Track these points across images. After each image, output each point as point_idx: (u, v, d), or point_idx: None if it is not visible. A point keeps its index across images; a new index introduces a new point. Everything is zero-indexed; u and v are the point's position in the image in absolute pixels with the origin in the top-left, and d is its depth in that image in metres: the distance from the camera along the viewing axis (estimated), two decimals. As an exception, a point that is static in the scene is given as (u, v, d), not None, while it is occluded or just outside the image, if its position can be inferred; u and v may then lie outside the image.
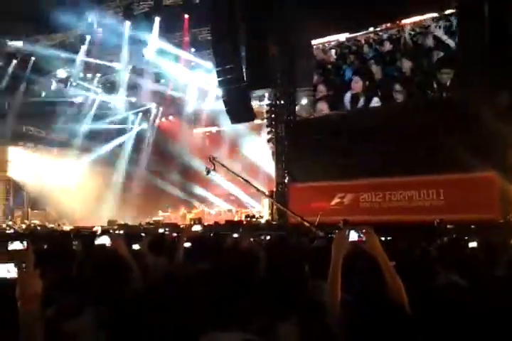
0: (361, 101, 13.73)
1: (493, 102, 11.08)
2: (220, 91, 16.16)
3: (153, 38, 18.07)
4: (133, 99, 21.64)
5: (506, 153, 10.98)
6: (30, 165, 20.22)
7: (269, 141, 16.35)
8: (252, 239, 4.00)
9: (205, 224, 14.12)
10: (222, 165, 10.29)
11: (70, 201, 19.11)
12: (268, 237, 6.04)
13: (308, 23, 13.40)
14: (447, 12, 12.62)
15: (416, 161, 11.82)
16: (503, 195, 10.95)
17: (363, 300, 1.81)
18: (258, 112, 16.69)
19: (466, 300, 1.73)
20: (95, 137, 21.55)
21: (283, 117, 15.86)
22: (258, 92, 16.91)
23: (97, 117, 21.48)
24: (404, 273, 2.06)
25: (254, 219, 15.54)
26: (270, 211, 16.18)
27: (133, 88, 20.94)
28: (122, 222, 16.39)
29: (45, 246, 3.82)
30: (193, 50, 18.56)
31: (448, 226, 9.02)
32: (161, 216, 19.85)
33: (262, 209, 17.87)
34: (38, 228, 14.51)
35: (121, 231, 9.68)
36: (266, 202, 16.90)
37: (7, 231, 12.24)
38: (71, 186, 19.81)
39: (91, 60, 19.36)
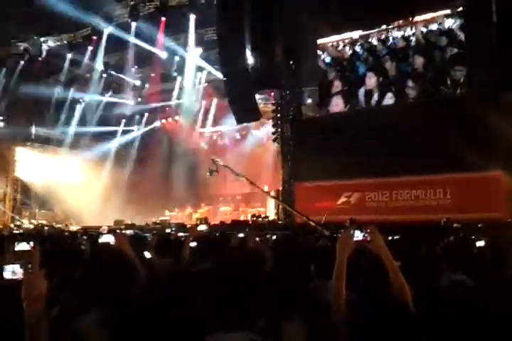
0: (375, 97, 13.78)
1: (501, 102, 11.03)
2: (225, 91, 16.16)
3: (159, 38, 18.14)
4: (139, 99, 21.72)
5: (514, 152, 10.91)
6: (37, 166, 20.35)
7: (274, 140, 16.34)
8: (258, 239, 4.00)
9: (211, 223, 14.15)
10: (225, 166, 10.30)
11: (77, 201, 19.21)
12: (274, 237, 6.05)
13: (320, 21, 13.46)
14: (460, 9, 12.60)
15: (422, 160, 11.76)
16: (511, 193, 10.88)
17: (368, 299, 1.81)
18: (264, 112, 16.68)
19: (472, 300, 1.72)
20: (102, 137, 21.65)
21: (289, 116, 15.85)
22: (263, 92, 16.94)
23: (104, 117, 21.57)
24: (409, 272, 2.06)
25: (260, 219, 15.54)
26: (276, 210, 16.18)
27: (139, 88, 21.01)
28: (129, 222, 16.46)
29: (53, 246, 3.85)
30: (199, 49, 18.58)
31: (455, 225, 8.97)
32: (167, 215, 19.91)
33: (267, 209, 17.87)
34: (46, 228, 14.59)
35: (128, 231, 9.73)
36: (272, 201, 16.90)
37: (15, 231, 12.32)
38: (78, 186, 19.90)
39: (98, 60, 19.43)
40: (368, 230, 2.07)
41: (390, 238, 4.86)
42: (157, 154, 21.45)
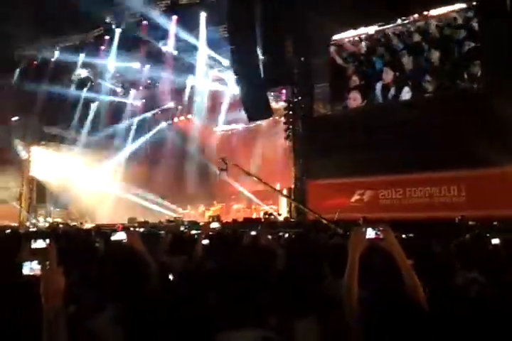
0: (392, 91, 13.73)
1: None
2: (237, 89, 16.18)
3: (170, 37, 18.21)
4: (152, 98, 21.83)
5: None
6: (52, 165, 20.61)
7: (286, 137, 16.32)
8: (270, 237, 4.01)
9: (224, 221, 14.19)
10: (235, 166, 10.36)
11: (91, 199, 19.42)
12: (286, 235, 6.06)
13: (333, 17, 13.44)
14: (474, 3, 12.48)
15: (437, 156, 11.65)
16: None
17: (380, 297, 1.81)
18: (275, 109, 16.66)
19: (485, 298, 1.71)
20: (115, 136, 21.83)
21: (300, 114, 15.81)
22: (275, 89, 16.91)
23: (117, 116, 21.74)
24: (423, 270, 2.05)
25: (272, 217, 15.55)
26: (288, 208, 16.17)
27: (152, 87, 21.12)
28: (143, 220, 16.59)
29: (67, 244, 3.90)
30: (210, 48, 18.59)
31: (470, 222, 8.88)
32: (180, 213, 20.02)
33: (280, 207, 17.86)
34: (61, 226, 14.78)
35: (142, 229, 9.82)
36: (284, 199, 16.89)
37: (30, 230, 12.50)
38: (92, 184, 20.11)
39: (110, 59, 19.57)
40: (381, 228, 2.07)
41: (403, 236, 4.83)
42: (170, 152, 21.55)
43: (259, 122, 18.71)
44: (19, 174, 20.49)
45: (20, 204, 19.95)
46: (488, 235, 4.34)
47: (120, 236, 2.89)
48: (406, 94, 13.50)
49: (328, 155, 13.75)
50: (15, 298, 1.86)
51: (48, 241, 2.19)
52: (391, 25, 14.00)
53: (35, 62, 19.79)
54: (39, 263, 1.64)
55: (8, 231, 8.22)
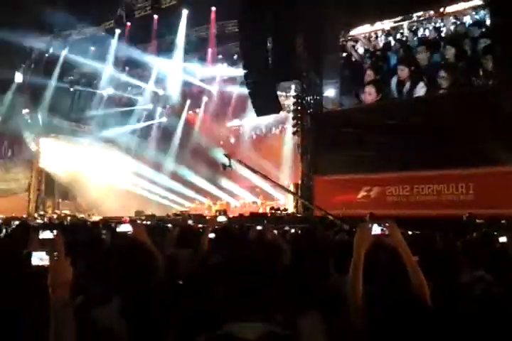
0: (407, 86, 13.72)
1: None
2: (245, 84, 16.13)
3: (180, 31, 18.20)
4: (161, 92, 21.87)
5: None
6: (61, 156, 20.75)
7: (294, 133, 16.29)
8: (276, 232, 4.02)
9: (230, 215, 14.23)
10: (239, 162, 10.34)
11: (99, 192, 19.55)
12: (293, 230, 6.06)
13: (346, 12, 13.39)
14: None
15: (445, 154, 11.59)
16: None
17: (385, 294, 1.81)
18: (284, 105, 16.62)
19: (491, 296, 1.71)
20: (124, 129, 21.93)
21: (309, 109, 15.76)
22: (284, 84, 16.85)
23: (127, 110, 21.81)
24: (429, 267, 2.05)
25: (278, 212, 15.57)
26: (295, 203, 16.18)
27: (161, 81, 21.15)
28: (150, 213, 16.68)
29: (74, 235, 3.93)
30: (219, 42, 18.58)
31: (477, 220, 8.84)
32: (187, 207, 20.11)
33: (286, 202, 17.87)
34: (68, 218, 14.90)
35: (149, 222, 9.88)
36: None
37: (38, 221, 12.62)
38: (100, 177, 20.23)
39: (120, 53, 19.61)
40: (387, 224, 2.06)
41: (409, 232, 4.82)
42: (179, 146, 21.62)
43: (267, 117, 18.66)
44: (28, 166, 20.66)
45: (28, 195, 20.14)
46: (495, 233, 4.32)
47: (125, 228, 2.90)
48: (421, 89, 13.47)
49: (336, 151, 13.72)
50: (24, 288, 1.89)
51: (55, 232, 2.21)
52: (407, 21, 14.03)
53: (46, 55, 19.87)
54: (47, 254, 1.66)
55: (17, 222, 8.30)
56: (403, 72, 13.80)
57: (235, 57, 18.20)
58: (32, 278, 1.68)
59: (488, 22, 12.42)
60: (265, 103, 15.31)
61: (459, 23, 13.00)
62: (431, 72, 13.30)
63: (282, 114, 17.43)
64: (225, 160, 10.13)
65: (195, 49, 18.98)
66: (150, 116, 22.89)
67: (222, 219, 5.01)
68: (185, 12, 17.74)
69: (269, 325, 1.61)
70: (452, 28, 13.11)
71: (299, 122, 15.89)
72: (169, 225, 7.40)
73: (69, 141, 21.34)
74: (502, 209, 10.22)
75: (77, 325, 1.58)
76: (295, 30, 14.77)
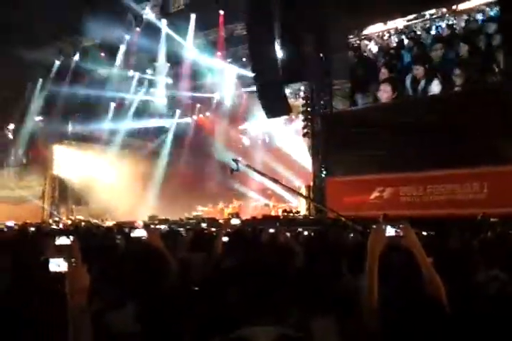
0: (421, 84, 13.65)
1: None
2: (255, 86, 16.16)
3: (189, 35, 18.31)
4: (171, 96, 21.99)
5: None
6: (74, 163, 20.97)
7: (305, 135, 16.25)
8: (288, 234, 4.02)
9: (243, 218, 14.23)
10: (247, 166, 10.34)
11: (112, 197, 19.69)
12: (306, 232, 6.06)
13: (362, 12, 13.50)
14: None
15: (458, 152, 11.48)
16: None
17: (400, 295, 1.81)
18: (293, 106, 16.61)
19: (506, 295, 1.69)
20: (136, 134, 22.10)
21: (319, 110, 15.72)
22: (293, 86, 16.84)
23: (138, 114, 21.96)
24: (444, 268, 2.04)
25: (291, 214, 15.54)
26: (307, 206, 16.13)
27: (171, 85, 21.27)
28: (163, 217, 16.75)
29: (88, 241, 3.97)
30: (228, 45, 18.65)
31: (492, 220, 8.73)
32: (200, 211, 20.15)
33: (299, 204, 17.84)
34: (83, 223, 15.03)
35: (162, 226, 9.92)
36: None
37: (53, 227, 12.74)
38: (113, 182, 20.39)
39: (130, 58, 19.78)
40: (401, 225, 2.06)
41: (424, 233, 4.79)
42: (190, 150, 21.71)
43: (277, 119, 18.66)
44: (42, 173, 20.91)
45: (43, 202, 20.37)
46: (510, 232, 4.28)
47: (140, 233, 2.93)
48: (435, 87, 13.39)
49: (347, 152, 13.66)
50: (43, 294, 1.92)
51: (71, 238, 2.24)
52: (420, 19, 14.00)
53: (56, 61, 20.13)
54: (65, 260, 1.68)
55: (33, 229, 8.41)
56: (417, 70, 13.76)
57: (244, 59, 18.24)
58: (50, 283, 1.70)
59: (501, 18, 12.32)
60: (275, 105, 15.30)
61: (472, 19, 12.93)
62: (445, 69, 13.24)
63: (292, 115, 17.42)
64: (233, 165, 10.14)
65: (205, 52, 19.06)
66: (162, 120, 23.00)
67: (235, 222, 5.02)
68: (193, 16, 17.84)
69: (281, 328, 1.61)
70: (465, 25, 13.04)
71: (309, 123, 15.85)
72: (181, 229, 7.44)
73: (82, 148, 21.56)
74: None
75: (95, 330, 1.60)
76: (303, 30, 14.76)
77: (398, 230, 2.05)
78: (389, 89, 14.31)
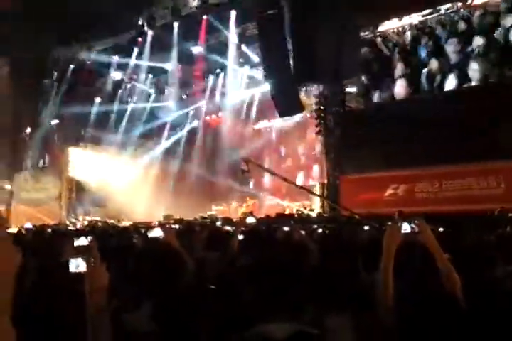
0: (437, 79, 13.56)
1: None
2: (267, 86, 16.15)
3: (201, 36, 18.35)
4: (184, 97, 22.10)
5: None
6: (89, 165, 21.25)
7: (318, 133, 16.20)
8: (303, 232, 4.02)
9: (257, 217, 14.24)
10: (258, 166, 10.32)
11: (127, 198, 19.88)
12: (320, 230, 6.05)
13: (376, 8, 13.43)
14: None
15: (473, 147, 11.32)
16: None
17: (416, 292, 1.80)
18: (306, 104, 16.55)
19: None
20: (149, 135, 22.29)
21: (332, 108, 15.65)
22: (306, 84, 16.77)
23: (151, 116, 22.14)
24: (461, 264, 2.03)
25: (305, 212, 15.50)
26: (321, 203, 16.08)
27: (184, 86, 21.36)
28: (178, 217, 16.84)
29: (106, 241, 4.03)
30: (240, 45, 18.64)
31: (510, 214, 8.60)
32: (214, 210, 20.22)
33: (313, 202, 17.78)
34: (99, 224, 15.19)
35: (177, 226, 9.98)
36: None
37: (70, 228, 12.92)
38: (128, 183, 20.59)
39: (143, 61, 19.92)
40: (416, 222, 2.05)
41: (441, 229, 4.75)
42: (203, 150, 21.80)
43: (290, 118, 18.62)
44: (58, 175, 21.22)
45: (60, 203, 20.67)
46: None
47: (157, 233, 2.96)
48: (451, 82, 13.26)
49: (361, 149, 13.58)
50: (63, 294, 1.95)
51: (89, 238, 2.28)
52: (435, 14, 13.95)
53: (70, 66, 20.38)
54: (84, 260, 1.71)
55: (50, 230, 8.54)
56: (433, 64, 13.67)
57: (256, 59, 18.22)
58: (70, 284, 1.74)
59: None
60: (287, 103, 15.25)
61: (488, 13, 12.78)
62: (461, 64, 13.11)
63: (306, 113, 17.36)
64: (245, 165, 10.15)
65: (216, 53, 19.10)
66: (175, 121, 23.12)
67: (251, 220, 5.04)
68: (204, 18, 17.85)
69: (296, 325, 1.63)
70: (481, 18, 12.87)
71: (322, 121, 15.79)
72: (196, 228, 7.47)
73: (96, 150, 21.82)
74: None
75: (114, 329, 1.63)
76: (316, 27, 14.68)
77: (414, 226, 2.05)
78: (405, 85, 14.21)
